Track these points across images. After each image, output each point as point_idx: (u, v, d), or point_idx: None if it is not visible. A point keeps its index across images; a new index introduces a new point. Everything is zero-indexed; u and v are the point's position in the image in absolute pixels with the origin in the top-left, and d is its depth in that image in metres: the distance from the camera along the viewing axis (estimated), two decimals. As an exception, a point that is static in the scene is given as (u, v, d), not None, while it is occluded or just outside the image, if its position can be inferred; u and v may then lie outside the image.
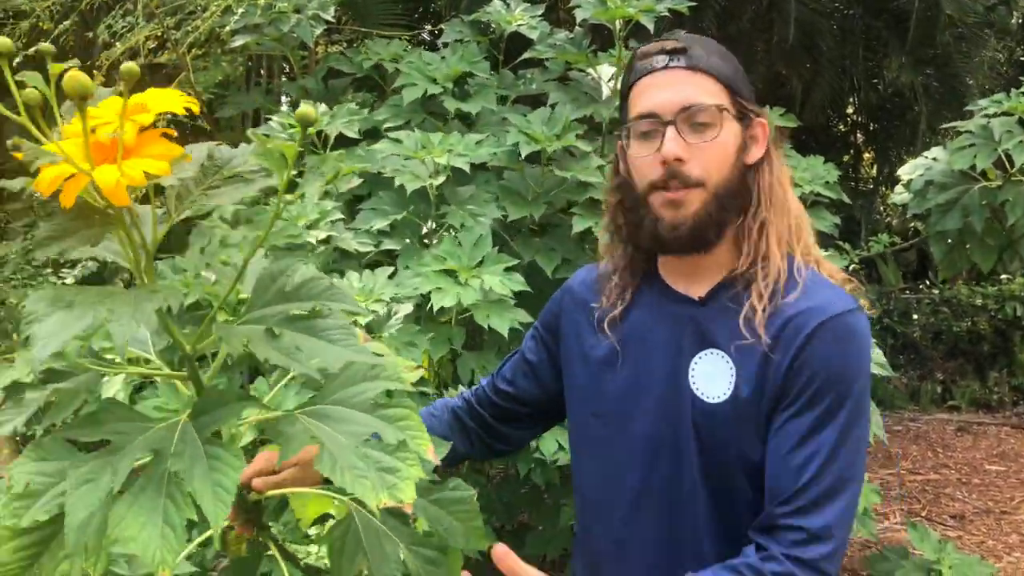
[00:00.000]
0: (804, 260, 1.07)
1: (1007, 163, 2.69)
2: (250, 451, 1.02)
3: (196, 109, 0.71)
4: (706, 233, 1.05)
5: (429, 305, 2.11)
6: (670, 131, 1.03)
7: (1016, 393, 6.89)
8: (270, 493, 0.95)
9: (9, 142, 0.70)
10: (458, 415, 1.27)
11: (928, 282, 7.81)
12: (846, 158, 9.45)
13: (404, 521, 0.87)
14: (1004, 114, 2.71)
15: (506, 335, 2.12)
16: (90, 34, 2.73)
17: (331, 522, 0.88)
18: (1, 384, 0.75)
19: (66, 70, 0.65)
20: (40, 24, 2.60)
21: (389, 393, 0.78)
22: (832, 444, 0.97)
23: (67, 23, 2.54)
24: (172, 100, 0.68)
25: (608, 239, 1.17)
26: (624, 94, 1.11)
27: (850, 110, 8.58)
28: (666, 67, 1.06)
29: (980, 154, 2.68)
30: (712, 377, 1.03)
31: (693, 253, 1.07)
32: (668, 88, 1.05)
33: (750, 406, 1.01)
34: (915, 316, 7.26)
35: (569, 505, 2.31)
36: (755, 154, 1.07)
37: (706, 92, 1.05)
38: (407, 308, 2.06)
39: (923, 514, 4.48)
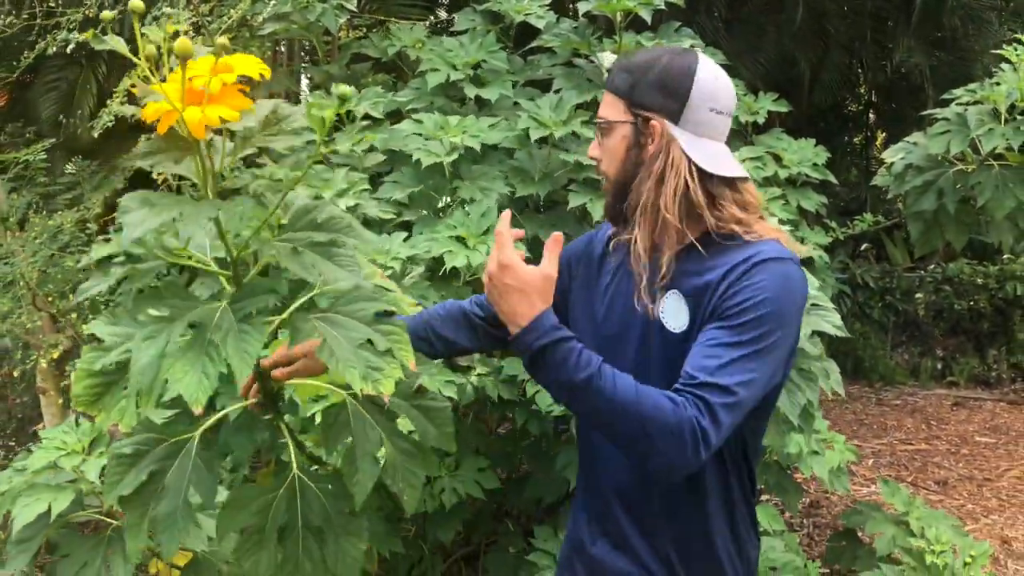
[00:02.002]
0: (736, 226, 1.29)
1: (979, 148, 2.88)
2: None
3: (268, 74, 0.97)
4: (612, 213, 1.39)
5: (442, 269, 2.38)
6: (596, 137, 1.39)
7: (1014, 370, 7.05)
8: (286, 383, 1.20)
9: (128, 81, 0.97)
10: (466, 312, 1.55)
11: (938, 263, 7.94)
12: (858, 139, 9.57)
13: (389, 418, 1.12)
14: (978, 103, 2.90)
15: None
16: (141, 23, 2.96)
17: (327, 404, 1.12)
18: (96, 256, 1.04)
19: (176, 34, 0.91)
20: (88, 13, 2.85)
21: (388, 313, 1.03)
22: (742, 352, 1.20)
23: (114, 13, 2.77)
24: (251, 65, 0.96)
25: None
26: None
27: (862, 91, 8.69)
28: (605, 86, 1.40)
29: (954, 140, 2.87)
30: (676, 315, 1.30)
31: (615, 226, 1.41)
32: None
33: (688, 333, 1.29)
34: (918, 295, 7.41)
35: (563, 454, 2.57)
36: (650, 150, 1.31)
37: (608, 107, 1.36)
38: (420, 268, 2.37)
39: (909, 480, 4.71)
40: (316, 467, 1.18)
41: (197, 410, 0.91)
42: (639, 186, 1.31)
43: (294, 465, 1.13)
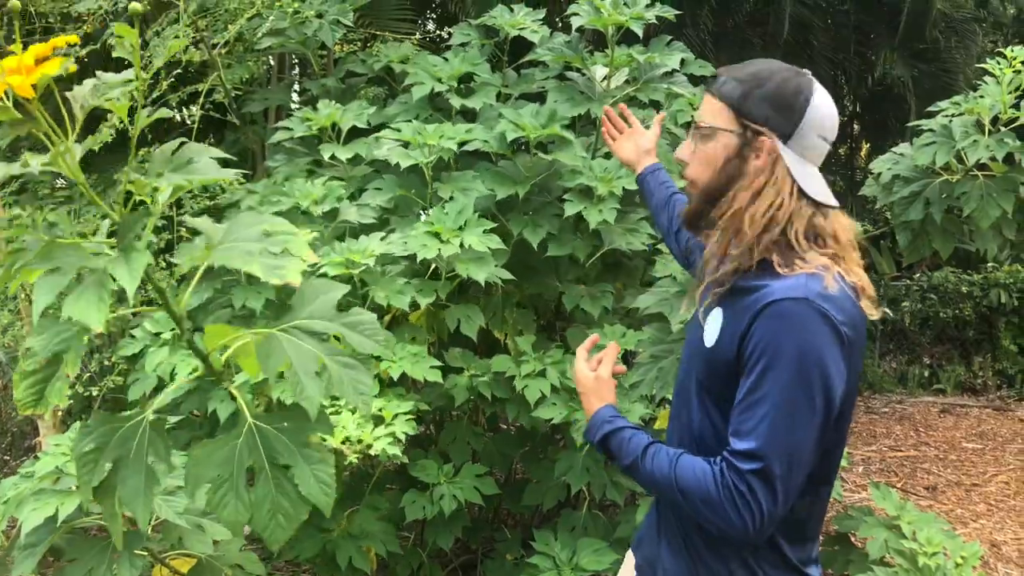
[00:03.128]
0: (790, 254, 1.30)
1: (964, 159, 2.94)
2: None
3: (76, 40, 1.10)
4: (694, 220, 1.41)
5: (428, 267, 2.48)
6: (687, 138, 1.41)
7: (999, 377, 7.14)
8: (224, 356, 1.25)
9: None
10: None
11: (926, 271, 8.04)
12: (842, 149, 9.68)
13: (320, 338, 1.17)
14: (962, 115, 2.97)
15: (482, 283, 2.50)
16: (143, 40, 3.00)
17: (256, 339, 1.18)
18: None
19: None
20: (88, 30, 2.88)
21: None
22: (764, 405, 1.22)
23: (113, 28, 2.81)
24: (62, 41, 1.07)
25: None
26: None
27: (846, 103, 8.81)
28: (707, 90, 1.41)
29: (940, 151, 2.94)
30: (711, 329, 1.35)
31: (693, 232, 1.49)
32: (700, 106, 1.41)
33: (723, 355, 1.32)
34: (904, 303, 7.50)
35: (562, 460, 2.60)
36: (755, 164, 1.33)
37: (713, 113, 1.36)
38: (399, 267, 2.53)
39: (899, 485, 4.77)
40: (269, 412, 1.22)
41: (97, 329, 1.00)
42: (734, 196, 1.32)
43: (247, 414, 1.18)
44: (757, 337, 1.24)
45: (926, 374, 7.24)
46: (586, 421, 1.45)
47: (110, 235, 1.13)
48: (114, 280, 1.02)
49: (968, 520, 4.29)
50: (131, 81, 1.11)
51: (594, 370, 1.50)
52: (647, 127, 2.01)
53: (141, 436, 1.16)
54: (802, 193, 1.30)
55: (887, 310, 1.32)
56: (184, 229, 2.89)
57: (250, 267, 1.07)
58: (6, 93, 1.02)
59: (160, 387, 2.62)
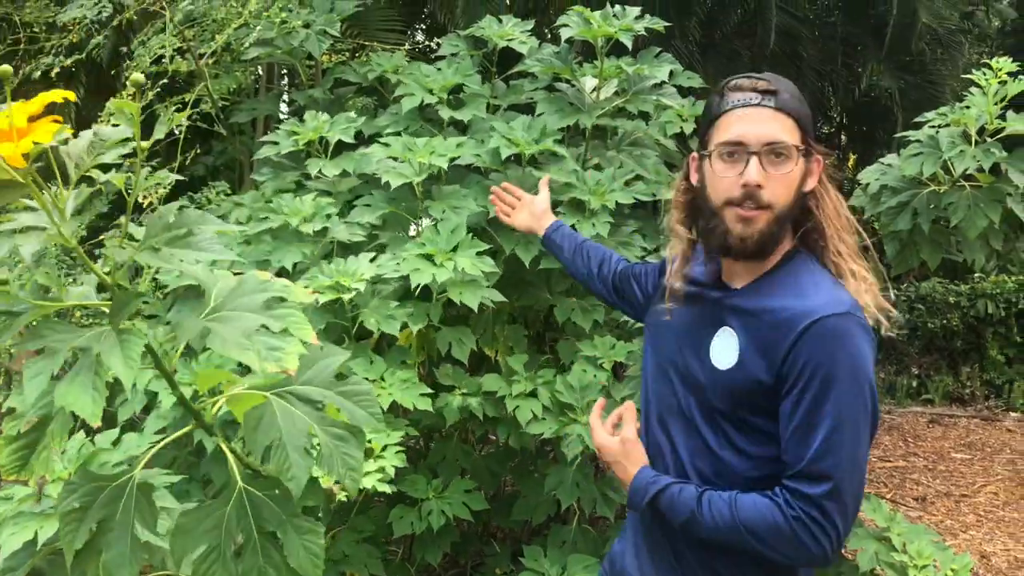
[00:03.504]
0: (840, 267, 1.32)
1: (951, 170, 2.95)
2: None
3: (72, 98, 1.04)
4: (766, 247, 1.33)
5: (413, 288, 2.41)
6: (754, 161, 1.28)
7: (987, 387, 7.17)
8: (214, 410, 1.22)
9: None
10: (599, 255, 1.84)
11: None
12: (830, 160, 9.73)
13: (316, 407, 1.15)
14: (948, 126, 2.98)
15: (475, 309, 2.45)
16: (124, 49, 2.97)
17: (249, 407, 1.14)
18: None
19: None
20: (73, 39, 2.85)
21: (281, 300, 1.11)
22: (825, 425, 1.21)
23: (99, 38, 2.79)
24: (55, 96, 1.02)
25: (676, 226, 1.48)
26: (713, 119, 1.36)
27: (834, 114, 8.86)
28: (759, 104, 1.30)
29: (927, 162, 2.94)
30: (722, 350, 1.32)
31: (752, 261, 1.36)
32: (758, 123, 1.29)
33: (750, 375, 1.29)
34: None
35: (552, 475, 2.58)
36: (810, 183, 1.33)
37: (786, 131, 1.29)
38: (389, 288, 2.47)
39: (888, 496, 4.76)
40: (259, 476, 1.19)
41: (95, 424, 0.96)
42: (824, 222, 1.32)
43: (238, 478, 1.15)
44: (806, 356, 1.22)
45: (914, 384, 7.26)
46: (625, 488, 1.40)
47: (98, 289, 1.09)
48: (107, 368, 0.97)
49: (958, 531, 4.29)
50: (129, 140, 1.06)
51: (614, 434, 1.45)
52: (608, 158, 2.06)
53: (127, 498, 1.11)
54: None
55: (890, 314, 1.31)
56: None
57: (245, 356, 1.02)
58: None
59: (149, 408, 2.56)
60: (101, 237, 2.86)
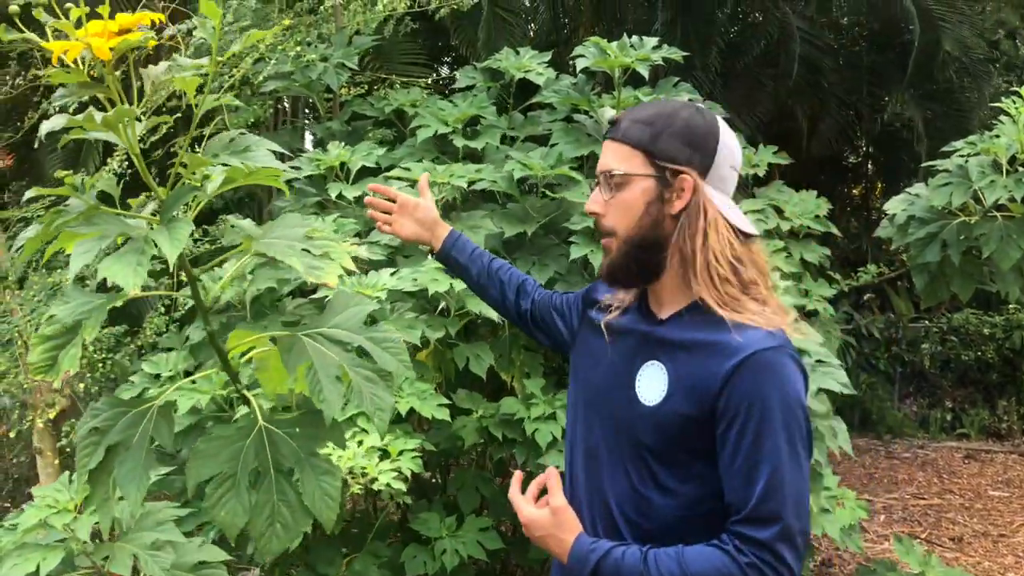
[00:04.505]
0: (745, 297, 1.24)
1: (982, 200, 2.87)
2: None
3: (163, 18, 1.10)
4: (620, 276, 1.30)
5: (433, 303, 2.43)
6: (595, 190, 1.31)
7: (1025, 422, 6.96)
8: (243, 360, 1.23)
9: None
10: (516, 281, 1.66)
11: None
12: (857, 190, 9.62)
13: (345, 348, 1.14)
14: (978, 155, 2.91)
15: (494, 321, 2.46)
16: (138, 84, 3.00)
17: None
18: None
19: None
20: (93, 73, 2.87)
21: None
22: (766, 464, 1.16)
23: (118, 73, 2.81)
24: (137, 18, 1.07)
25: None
26: None
27: (860, 143, 8.77)
28: (608, 137, 1.32)
29: (956, 192, 2.87)
30: (649, 386, 1.26)
31: (617, 288, 1.34)
32: (604, 154, 1.31)
33: (679, 410, 1.22)
34: (924, 345, 7.36)
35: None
36: (678, 205, 1.26)
37: (619, 159, 1.27)
38: (408, 304, 2.49)
39: (923, 536, 4.60)
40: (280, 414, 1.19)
41: (133, 292, 0.98)
42: (679, 242, 1.25)
43: (259, 415, 1.15)
44: (740, 393, 1.17)
45: (948, 418, 7.07)
46: (564, 560, 1.26)
47: (154, 214, 1.12)
48: (155, 246, 1.01)
49: (996, 573, 4.12)
50: (203, 66, 1.10)
51: (543, 505, 1.30)
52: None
53: (147, 423, 1.13)
54: (730, 226, 1.25)
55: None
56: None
57: (290, 259, 1.06)
58: (82, 59, 1.02)
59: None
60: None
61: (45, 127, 1.04)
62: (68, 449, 3.11)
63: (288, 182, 3.00)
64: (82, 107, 1.10)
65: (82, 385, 2.98)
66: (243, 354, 1.24)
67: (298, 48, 2.90)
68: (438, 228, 1.70)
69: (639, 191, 1.26)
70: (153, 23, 1.09)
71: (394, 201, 1.69)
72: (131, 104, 1.06)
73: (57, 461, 3.34)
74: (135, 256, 1.01)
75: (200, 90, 1.11)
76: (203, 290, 1.20)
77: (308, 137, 4.31)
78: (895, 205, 3.14)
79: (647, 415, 1.25)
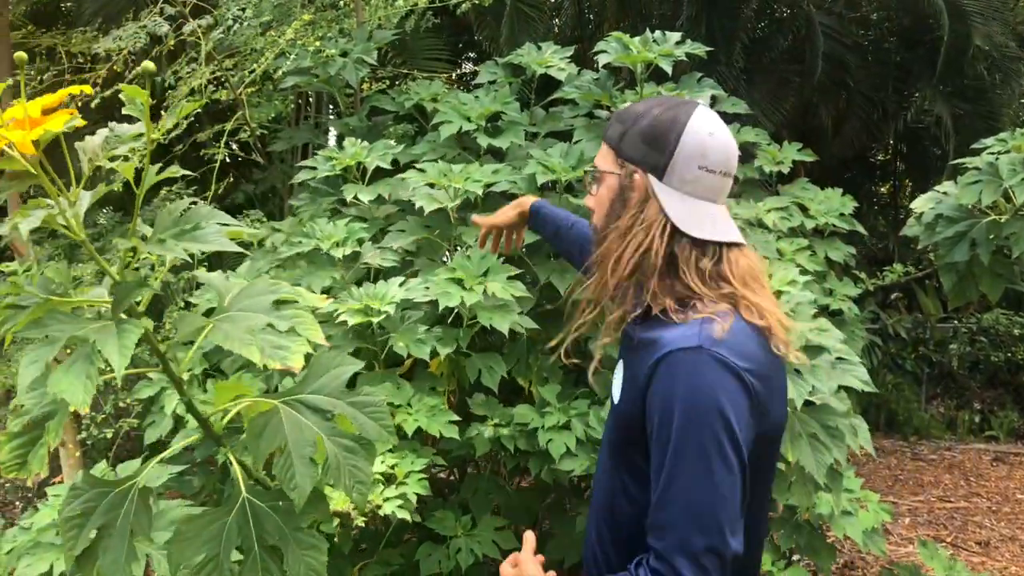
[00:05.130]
0: (678, 296, 1.21)
1: (1013, 198, 2.80)
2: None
3: (88, 91, 1.08)
4: (592, 267, 1.30)
5: (445, 313, 2.39)
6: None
7: (1055, 424, 6.83)
8: (223, 422, 1.21)
9: None
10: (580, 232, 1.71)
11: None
12: (885, 188, 9.48)
13: (324, 417, 1.12)
14: (1008, 152, 2.83)
15: (506, 334, 2.39)
16: (159, 78, 3.01)
17: (255, 414, 1.12)
18: None
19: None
20: (115, 69, 2.89)
21: (293, 302, 1.12)
22: (666, 470, 1.12)
23: (138, 70, 2.82)
24: (73, 89, 1.07)
25: None
26: None
27: (888, 140, 8.64)
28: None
29: (986, 190, 2.80)
30: (616, 384, 1.29)
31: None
32: None
33: (626, 409, 1.23)
34: (952, 345, 7.24)
35: (584, 514, 2.48)
36: (632, 202, 1.24)
37: (600, 156, 1.31)
38: (419, 313, 2.45)
39: (949, 540, 4.52)
40: (265, 488, 1.17)
41: (83, 411, 0.97)
42: (605, 238, 1.26)
43: (242, 488, 1.13)
44: (655, 393, 1.14)
45: (977, 420, 6.95)
46: None
47: (111, 292, 1.09)
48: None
49: (1024, 579, 4.05)
50: (141, 135, 1.06)
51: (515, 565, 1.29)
52: None
53: (128, 505, 1.11)
54: (677, 231, 1.20)
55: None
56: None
57: (248, 351, 1.03)
58: (9, 145, 0.99)
59: (176, 430, 2.57)
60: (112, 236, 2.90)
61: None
62: (89, 441, 3.13)
63: (305, 182, 2.97)
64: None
65: (103, 378, 3.00)
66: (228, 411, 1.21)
67: (318, 43, 2.89)
68: (525, 202, 1.84)
69: (606, 188, 1.29)
70: (80, 92, 1.07)
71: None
72: (74, 178, 1.03)
73: (79, 453, 3.38)
74: (84, 367, 0.99)
75: (139, 173, 1.07)
76: (174, 363, 1.17)
77: (332, 133, 4.32)
78: (923, 203, 3.07)
79: (612, 414, 1.29)
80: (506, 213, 1.86)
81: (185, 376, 1.19)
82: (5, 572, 1.86)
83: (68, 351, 1.04)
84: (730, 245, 1.23)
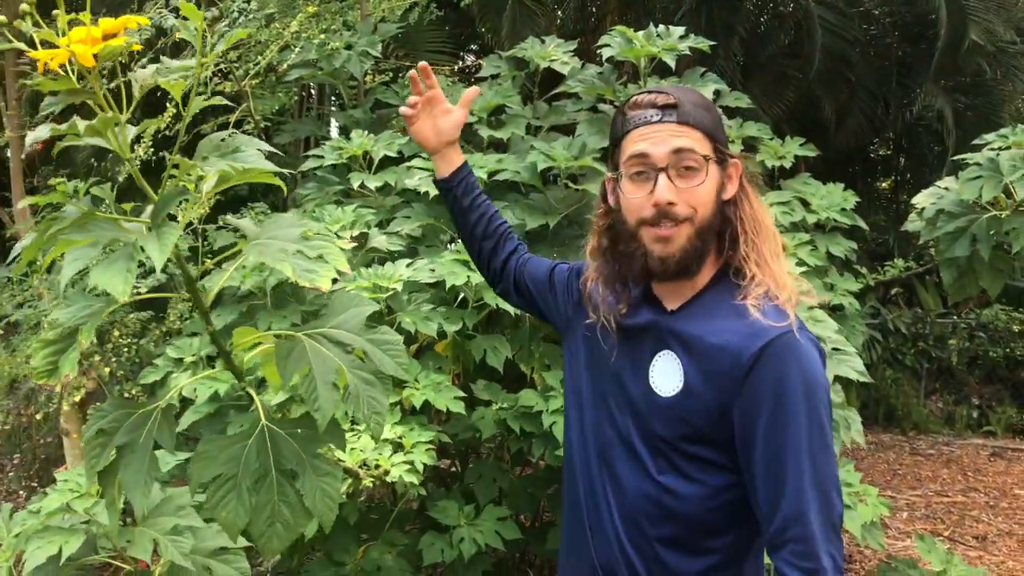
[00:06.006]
0: (774, 280, 1.23)
1: (1013, 194, 2.82)
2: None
3: (145, 22, 1.09)
4: (691, 264, 1.24)
5: (451, 294, 2.42)
6: (662, 178, 1.21)
7: (1053, 420, 6.86)
8: (248, 356, 1.24)
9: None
10: (500, 231, 1.60)
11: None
12: (887, 183, 9.49)
13: (345, 350, 1.15)
14: (1009, 148, 2.85)
15: (513, 314, 2.44)
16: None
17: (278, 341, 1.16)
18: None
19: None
20: (121, 61, 2.90)
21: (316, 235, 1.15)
22: (794, 456, 1.14)
23: (144, 60, 2.83)
24: (121, 22, 1.08)
25: (596, 252, 1.39)
26: (617, 140, 1.29)
27: (890, 135, 8.64)
28: (660, 120, 1.23)
29: (987, 185, 2.82)
30: (665, 375, 1.24)
31: (679, 280, 1.26)
32: (661, 139, 1.22)
33: (698, 400, 1.20)
34: (951, 341, 7.27)
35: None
36: (730, 191, 1.25)
37: (692, 142, 1.22)
38: (425, 295, 2.49)
39: (946, 534, 4.55)
40: (282, 415, 1.20)
41: (122, 299, 1.00)
42: (743, 230, 1.25)
43: (261, 415, 1.16)
44: (765, 380, 1.15)
45: (975, 415, 6.98)
46: None
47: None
48: (143, 251, 1.02)
49: (1020, 573, 4.07)
50: (191, 68, 1.10)
51: None
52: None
53: (151, 424, 1.15)
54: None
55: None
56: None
57: (282, 265, 1.06)
58: (69, 64, 1.02)
59: (181, 414, 2.59)
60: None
61: (30, 138, 1.05)
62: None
63: (311, 170, 3.00)
64: (69, 112, 1.11)
65: (107, 369, 3.03)
66: (251, 347, 1.24)
67: (323, 36, 2.91)
68: (451, 152, 1.58)
69: (712, 178, 1.23)
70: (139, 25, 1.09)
71: (432, 88, 1.56)
72: (121, 108, 1.06)
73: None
74: (124, 263, 1.02)
75: (187, 96, 1.10)
76: (202, 290, 1.20)
77: (334, 124, 4.33)
78: (924, 199, 3.09)
79: (664, 406, 1.23)
80: (426, 132, 1.57)
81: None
82: (13, 555, 1.88)
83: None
84: None
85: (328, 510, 1.13)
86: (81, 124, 1.01)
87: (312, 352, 1.12)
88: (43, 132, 1.04)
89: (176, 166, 1.09)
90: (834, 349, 2.36)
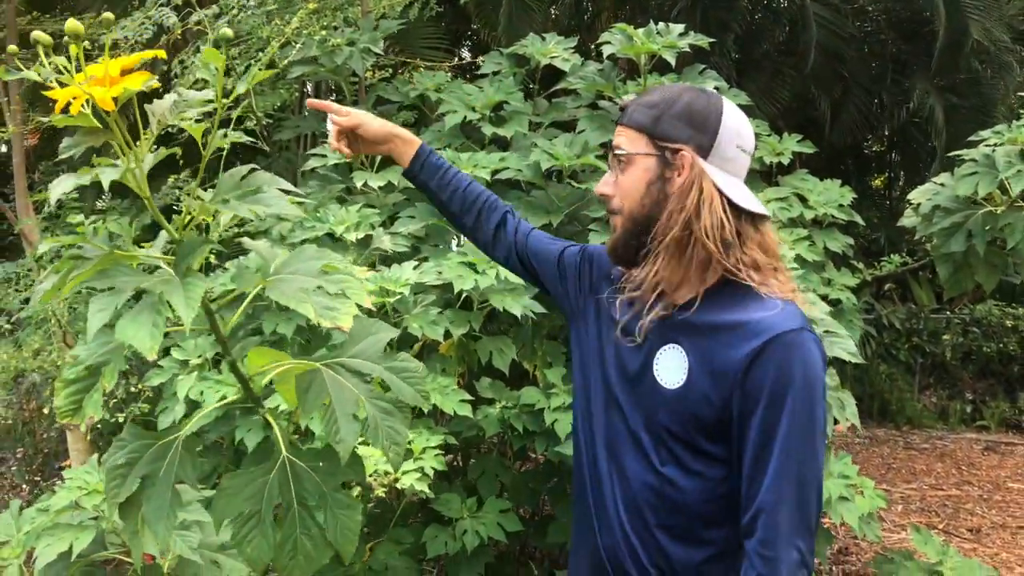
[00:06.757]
0: (755, 274, 1.25)
1: (1008, 190, 2.85)
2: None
3: (163, 55, 1.09)
4: (621, 249, 1.32)
5: (456, 295, 2.42)
6: (608, 174, 1.34)
7: (1046, 414, 6.92)
8: (264, 379, 1.24)
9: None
10: (496, 212, 1.60)
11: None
12: (880, 180, 9.53)
13: (364, 380, 1.16)
14: (1004, 144, 2.88)
15: (519, 317, 2.45)
16: (166, 67, 3.03)
17: (299, 374, 1.15)
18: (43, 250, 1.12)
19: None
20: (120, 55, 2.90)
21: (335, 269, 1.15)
22: (780, 450, 1.17)
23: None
24: (146, 54, 1.08)
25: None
26: None
27: (885, 131, 8.69)
28: (616, 122, 1.37)
29: (982, 181, 2.85)
30: (670, 368, 1.27)
31: (624, 266, 1.35)
32: (614, 139, 1.34)
33: (701, 393, 1.23)
34: (945, 336, 7.31)
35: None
36: (677, 182, 1.27)
37: (624, 140, 1.31)
38: (431, 297, 2.48)
39: (941, 527, 4.60)
40: (303, 447, 1.22)
41: (151, 357, 0.99)
42: (669, 220, 1.26)
43: (282, 448, 1.17)
44: (765, 375, 1.18)
45: (968, 410, 7.03)
46: None
47: (166, 251, 1.13)
48: (170, 307, 1.02)
49: (1014, 565, 4.12)
50: (210, 101, 1.10)
51: None
52: None
53: (172, 455, 1.15)
54: (732, 205, 1.25)
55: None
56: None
57: (303, 308, 1.06)
58: (86, 101, 1.02)
59: (189, 415, 2.60)
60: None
61: (55, 191, 1.03)
62: (98, 425, 3.16)
63: (313, 169, 3.01)
64: (89, 151, 1.10)
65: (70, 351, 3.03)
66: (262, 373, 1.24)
67: (324, 32, 2.92)
68: (399, 146, 1.57)
69: (641, 171, 1.29)
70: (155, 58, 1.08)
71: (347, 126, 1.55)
72: (136, 134, 1.06)
73: (87, 437, 3.41)
74: (151, 316, 1.01)
75: (206, 133, 1.08)
76: (221, 321, 1.19)
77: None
78: (919, 194, 3.12)
79: (669, 398, 1.26)
80: (378, 127, 1.55)
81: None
82: (24, 552, 1.90)
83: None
84: (765, 219, 1.30)
85: (348, 543, 1.14)
86: (104, 174, 1.02)
87: (332, 384, 1.13)
88: (68, 182, 1.03)
89: (194, 208, 1.09)
90: (825, 332, 2.39)
